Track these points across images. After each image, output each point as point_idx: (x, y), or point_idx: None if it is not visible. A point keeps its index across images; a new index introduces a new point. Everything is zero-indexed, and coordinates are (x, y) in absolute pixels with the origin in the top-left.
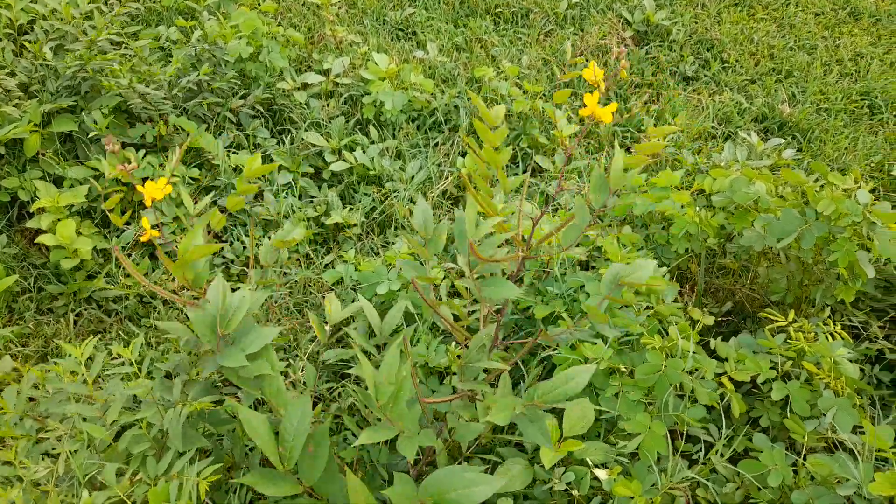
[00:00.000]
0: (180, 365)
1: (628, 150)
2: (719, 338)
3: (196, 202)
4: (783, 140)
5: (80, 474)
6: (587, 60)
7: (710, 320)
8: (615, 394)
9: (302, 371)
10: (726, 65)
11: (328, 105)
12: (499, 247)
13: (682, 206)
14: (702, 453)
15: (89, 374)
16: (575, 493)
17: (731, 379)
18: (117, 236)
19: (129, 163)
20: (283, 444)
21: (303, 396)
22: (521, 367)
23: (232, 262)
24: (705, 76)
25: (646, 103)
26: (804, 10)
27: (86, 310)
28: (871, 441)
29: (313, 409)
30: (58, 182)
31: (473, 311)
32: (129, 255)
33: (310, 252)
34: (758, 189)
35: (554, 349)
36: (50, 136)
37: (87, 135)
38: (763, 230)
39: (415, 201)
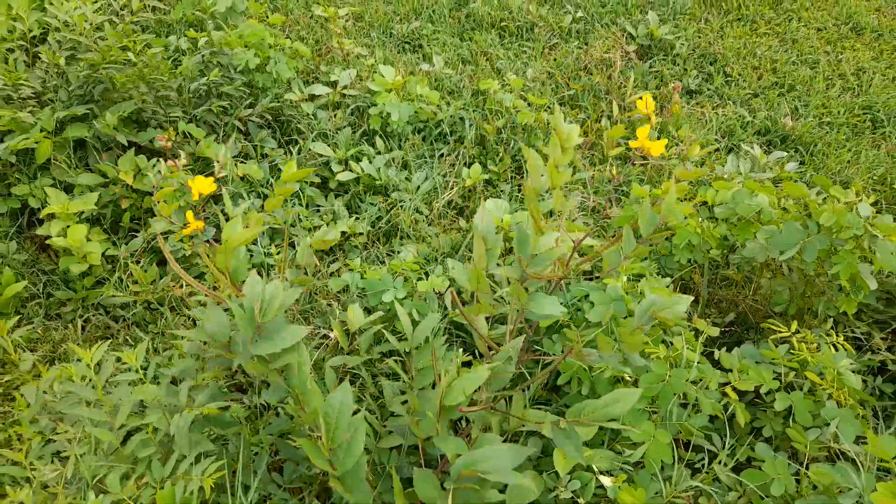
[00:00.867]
0: (186, 370)
1: (632, 161)
2: (723, 348)
3: (204, 210)
4: (786, 153)
5: (89, 477)
6: (591, 75)
7: (715, 331)
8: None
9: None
10: (729, 78)
11: (335, 116)
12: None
13: (685, 218)
14: (705, 462)
15: (99, 378)
16: (580, 500)
17: (734, 389)
18: (126, 243)
19: (179, 158)
20: (327, 427)
21: (344, 383)
22: (527, 375)
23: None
24: (708, 90)
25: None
26: (806, 25)
27: (93, 315)
28: (873, 451)
29: None
30: (68, 189)
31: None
32: (138, 262)
33: (316, 261)
34: (760, 201)
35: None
36: (62, 142)
37: (100, 140)
38: (766, 242)
39: (420, 211)
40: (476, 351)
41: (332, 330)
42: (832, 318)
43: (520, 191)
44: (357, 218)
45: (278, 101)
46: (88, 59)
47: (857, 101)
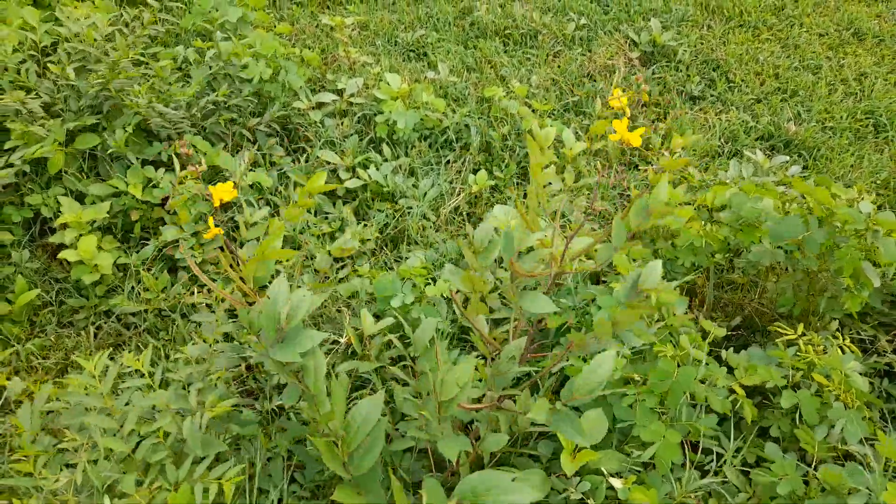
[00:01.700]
0: (193, 374)
1: (636, 167)
2: (730, 350)
3: (214, 218)
4: (789, 158)
5: (100, 484)
6: (594, 81)
7: (722, 331)
8: (630, 404)
9: None
10: (732, 84)
11: (342, 124)
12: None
13: (688, 221)
14: (714, 463)
15: (104, 385)
16: (590, 502)
17: (742, 386)
18: (137, 251)
19: (200, 164)
20: (347, 431)
21: (376, 395)
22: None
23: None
24: (711, 95)
25: (653, 122)
26: (808, 30)
27: (105, 323)
28: (884, 452)
29: None
30: (80, 198)
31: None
32: (149, 270)
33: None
34: (765, 204)
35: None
36: (73, 153)
37: (108, 152)
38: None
39: (427, 217)
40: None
41: (341, 335)
42: (838, 321)
43: (526, 196)
44: (365, 224)
45: (286, 110)
46: (98, 76)
47: (859, 106)
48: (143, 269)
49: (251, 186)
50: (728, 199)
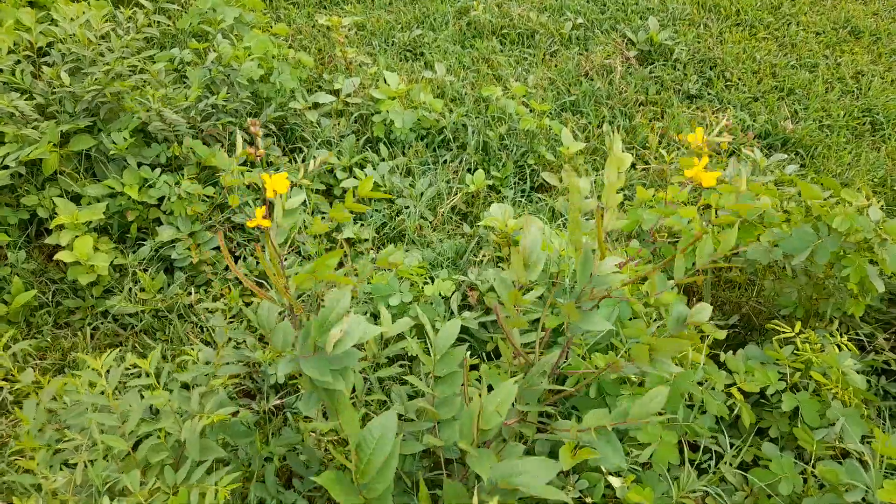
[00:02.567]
0: (198, 377)
1: (633, 165)
2: (729, 352)
3: (211, 218)
4: (786, 156)
5: (99, 483)
6: (591, 81)
7: (722, 334)
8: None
9: None
10: (729, 83)
11: (339, 124)
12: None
13: (689, 221)
14: (712, 462)
15: (108, 384)
16: (588, 500)
17: (740, 390)
18: (133, 252)
19: (258, 148)
20: (360, 454)
21: (389, 412)
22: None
23: (245, 276)
24: (709, 94)
25: (650, 121)
26: (805, 29)
27: (102, 323)
28: (881, 449)
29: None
30: (76, 199)
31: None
32: (145, 271)
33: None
34: (764, 203)
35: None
36: (68, 155)
37: (106, 155)
38: (769, 244)
39: (425, 217)
40: (483, 353)
41: None
42: (837, 320)
43: (523, 195)
44: (362, 224)
45: (282, 110)
46: (93, 81)
47: (856, 105)
48: (140, 270)
49: (248, 187)
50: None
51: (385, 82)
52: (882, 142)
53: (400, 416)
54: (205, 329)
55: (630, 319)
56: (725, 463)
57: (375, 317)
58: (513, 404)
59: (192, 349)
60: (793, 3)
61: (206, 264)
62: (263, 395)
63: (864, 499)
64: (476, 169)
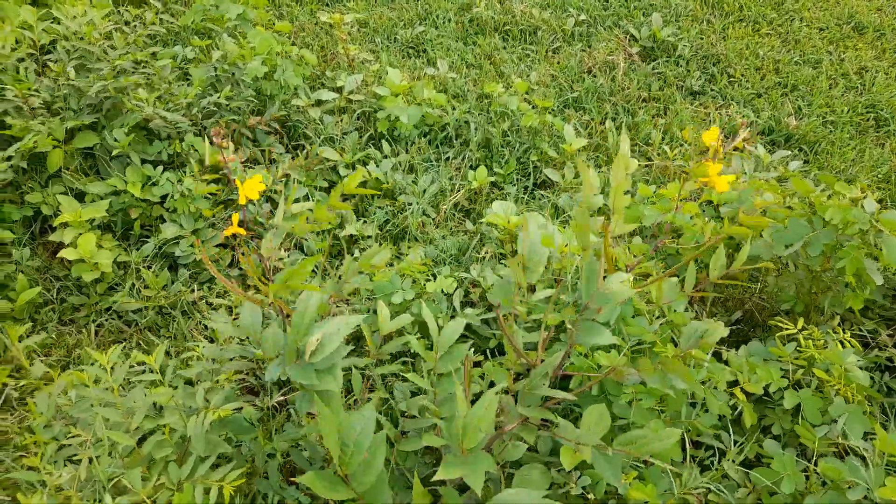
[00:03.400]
0: (203, 373)
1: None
2: (732, 349)
3: (214, 216)
4: (790, 152)
5: (104, 479)
6: (594, 77)
7: (725, 332)
8: (629, 401)
9: None
10: (732, 79)
11: (342, 121)
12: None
13: (691, 217)
14: (715, 459)
15: (114, 380)
16: (590, 496)
17: (742, 389)
18: (137, 249)
19: (229, 154)
20: (343, 449)
21: (367, 408)
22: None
23: (239, 276)
24: (712, 90)
25: (653, 117)
26: (808, 25)
27: (106, 320)
28: (881, 446)
29: None
30: (79, 197)
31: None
32: (149, 268)
33: (325, 264)
34: (766, 199)
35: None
36: (72, 152)
37: (109, 152)
38: (771, 239)
39: (427, 214)
40: (486, 350)
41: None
42: (839, 316)
43: (525, 192)
44: (365, 221)
45: (285, 107)
46: (98, 77)
47: (860, 100)
48: (144, 267)
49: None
50: (737, 196)
51: (390, 79)
52: (886, 138)
53: (402, 412)
54: (208, 326)
55: (632, 317)
56: (728, 460)
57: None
58: (514, 406)
59: (197, 346)
60: None
61: (210, 261)
62: (266, 391)
63: (865, 496)
64: (479, 166)
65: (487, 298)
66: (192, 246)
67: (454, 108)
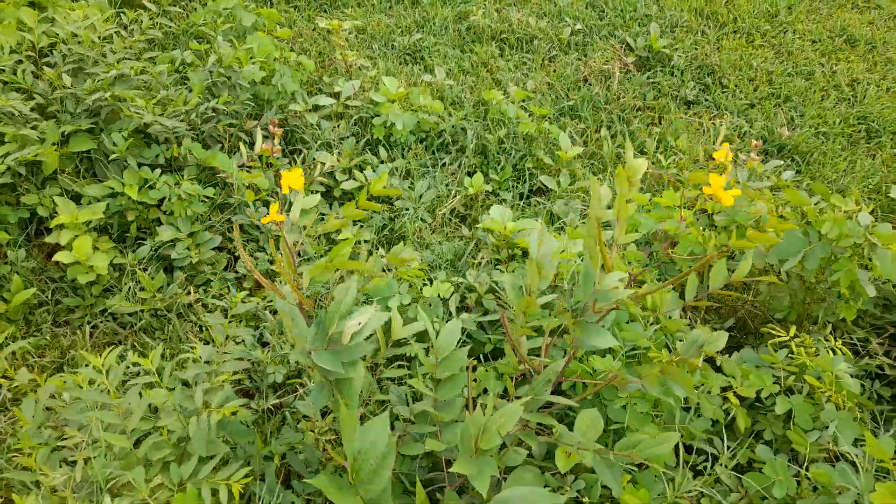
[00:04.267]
0: (200, 375)
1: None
2: (725, 355)
3: (210, 219)
4: (782, 162)
5: (102, 480)
6: (590, 86)
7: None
8: (623, 406)
9: None
10: (726, 89)
11: (339, 126)
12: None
13: (686, 226)
14: (708, 464)
15: (110, 382)
16: (585, 500)
17: (736, 393)
18: (133, 251)
19: (273, 146)
20: (356, 456)
21: (382, 416)
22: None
23: (244, 276)
24: (706, 100)
25: (647, 126)
26: (801, 37)
27: (101, 322)
28: (872, 452)
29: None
30: (76, 199)
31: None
32: (145, 270)
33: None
34: (759, 209)
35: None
36: (69, 155)
37: (107, 155)
38: (765, 249)
39: (424, 219)
40: (482, 356)
41: None
42: (831, 324)
43: (521, 199)
44: (362, 226)
45: (283, 112)
46: (95, 83)
47: (851, 112)
48: (140, 269)
49: (248, 188)
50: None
51: (385, 86)
52: (877, 149)
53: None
54: (203, 328)
55: (627, 322)
56: (721, 465)
57: None
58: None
59: (194, 348)
60: (789, 12)
61: (206, 264)
62: (262, 394)
63: (856, 501)
64: (475, 172)
65: (483, 303)
66: (188, 249)
67: (451, 115)
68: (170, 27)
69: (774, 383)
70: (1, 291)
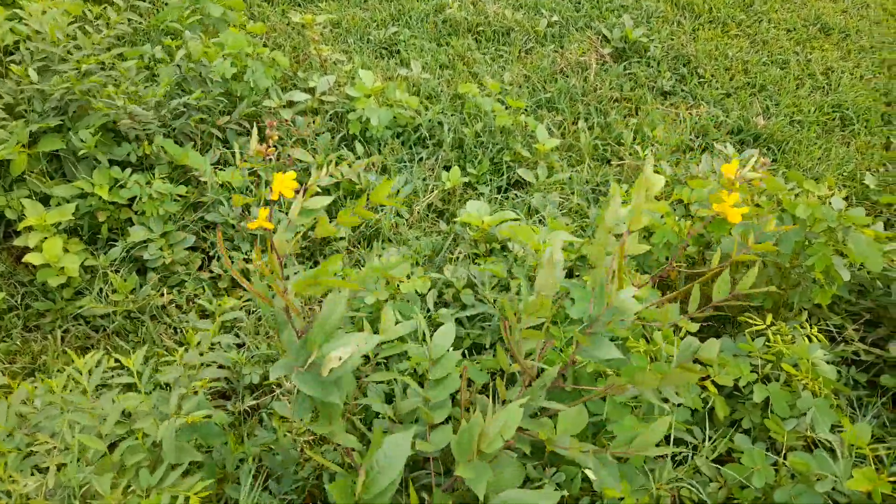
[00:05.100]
0: (179, 379)
1: (608, 161)
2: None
3: (183, 218)
4: (758, 151)
5: (76, 485)
6: (567, 77)
7: (694, 327)
8: (602, 397)
9: None
10: (702, 79)
11: (314, 122)
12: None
13: (662, 217)
14: (689, 454)
15: (88, 384)
16: (565, 492)
17: (714, 383)
18: (105, 253)
19: (269, 147)
20: (367, 473)
21: (404, 434)
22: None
23: (219, 276)
24: (682, 91)
25: (625, 117)
26: (776, 26)
27: (73, 326)
28: (849, 438)
29: None
30: (44, 200)
31: None
32: (117, 272)
33: (297, 265)
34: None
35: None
36: (36, 155)
37: (76, 154)
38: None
39: (401, 215)
40: (465, 352)
41: None
42: (806, 311)
43: (499, 192)
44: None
45: (256, 108)
46: (62, 79)
47: (826, 100)
48: (112, 271)
49: (221, 186)
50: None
51: (360, 80)
52: (851, 137)
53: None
54: (178, 330)
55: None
56: (701, 455)
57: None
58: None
59: (176, 350)
60: (764, 1)
61: (179, 265)
62: (238, 395)
63: (834, 488)
64: (452, 166)
65: (461, 299)
66: (161, 249)
67: (427, 109)
68: (140, 23)
69: (752, 372)
70: None
